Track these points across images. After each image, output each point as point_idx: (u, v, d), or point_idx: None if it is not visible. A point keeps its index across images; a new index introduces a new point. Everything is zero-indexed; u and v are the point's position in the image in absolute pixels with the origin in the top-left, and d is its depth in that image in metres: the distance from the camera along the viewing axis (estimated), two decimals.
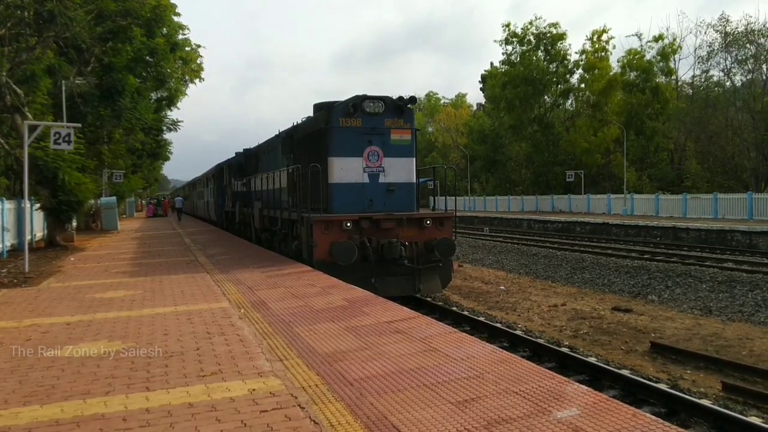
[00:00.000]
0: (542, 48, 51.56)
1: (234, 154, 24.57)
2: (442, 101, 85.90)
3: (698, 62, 45.47)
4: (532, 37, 51.65)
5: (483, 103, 72.84)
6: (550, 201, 45.90)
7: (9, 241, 16.54)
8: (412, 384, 4.37)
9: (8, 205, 16.79)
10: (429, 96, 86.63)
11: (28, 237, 14.69)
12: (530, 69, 50.52)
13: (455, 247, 12.61)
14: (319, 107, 13.97)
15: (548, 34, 51.08)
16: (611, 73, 48.60)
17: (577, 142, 47.73)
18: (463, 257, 22.75)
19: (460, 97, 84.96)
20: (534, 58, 51.39)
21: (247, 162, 21.84)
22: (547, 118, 52.25)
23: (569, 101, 53.85)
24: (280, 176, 15.29)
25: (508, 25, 52.82)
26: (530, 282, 17.18)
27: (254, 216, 18.73)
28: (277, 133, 16.63)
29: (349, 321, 6.59)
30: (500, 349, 5.44)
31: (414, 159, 12.94)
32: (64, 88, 18.25)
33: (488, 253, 24.01)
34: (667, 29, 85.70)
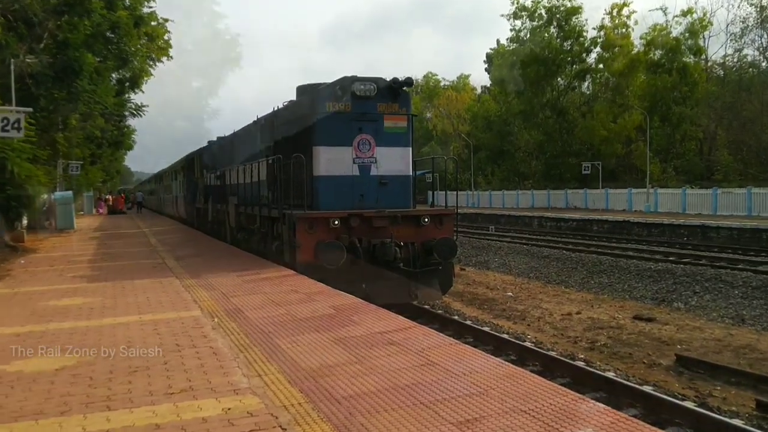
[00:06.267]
0: (555, 24, 51.65)
1: (206, 143, 24.51)
2: (442, 83, 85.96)
3: (731, 40, 45.81)
4: (543, 11, 51.75)
5: (488, 85, 72.87)
6: (563, 196, 46.07)
7: None
8: (408, 402, 4.39)
9: None
10: (427, 77, 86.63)
11: None
12: (541, 47, 50.57)
13: (457, 248, 12.64)
14: (303, 90, 13.96)
15: (561, 8, 51.17)
16: (633, 52, 48.77)
17: (594, 130, 47.88)
18: (466, 260, 22.80)
19: (463, 79, 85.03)
20: (546, 35, 51.47)
21: (221, 152, 21.80)
22: (560, 102, 52.39)
23: (585, 84, 54.02)
24: (258, 168, 15.27)
25: None
26: (541, 287, 17.24)
27: (229, 213, 18.70)
28: (256, 119, 16.60)
29: (336, 331, 6.60)
30: (507, 363, 5.47)
31: (410, 149, 12.96)
32: (12, 67, 18.12)
33: (494, 255, 24.07)
34: (696, 2, 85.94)
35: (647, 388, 7.90)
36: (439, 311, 12.90)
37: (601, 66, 52.03)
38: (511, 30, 56.91)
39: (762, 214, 28.79)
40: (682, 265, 18.55)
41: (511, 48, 54.70)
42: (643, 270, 18.41)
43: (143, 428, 4.01)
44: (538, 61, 50.34)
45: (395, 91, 12.64)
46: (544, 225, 36.22)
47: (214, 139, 23.18)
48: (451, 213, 12.84)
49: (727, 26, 45.93)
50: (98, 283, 10.75)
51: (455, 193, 13.23)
